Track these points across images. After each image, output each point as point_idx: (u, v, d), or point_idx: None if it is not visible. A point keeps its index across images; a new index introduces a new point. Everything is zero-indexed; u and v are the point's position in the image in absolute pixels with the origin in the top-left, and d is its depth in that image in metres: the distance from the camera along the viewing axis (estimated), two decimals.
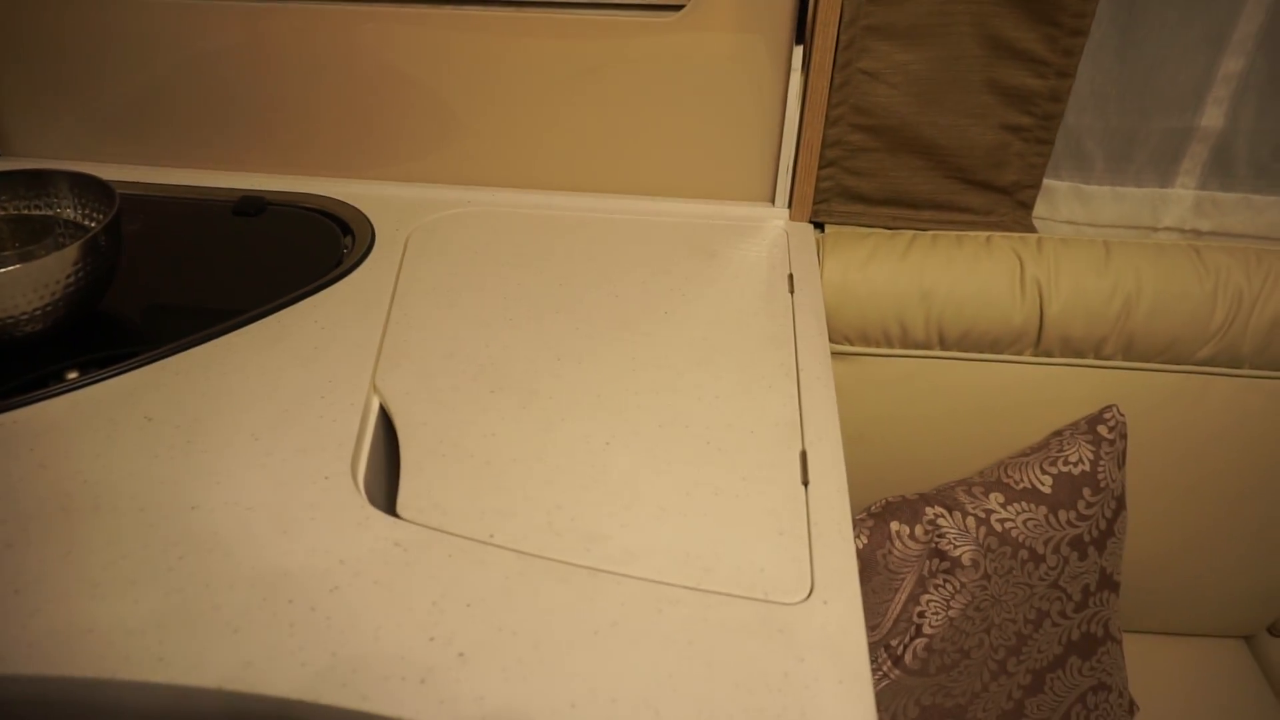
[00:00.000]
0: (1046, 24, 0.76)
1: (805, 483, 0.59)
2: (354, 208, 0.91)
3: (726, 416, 0.64)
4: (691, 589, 0.52)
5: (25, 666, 0.47)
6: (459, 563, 0.53)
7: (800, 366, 0.69)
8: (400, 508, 0.56)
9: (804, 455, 0.61)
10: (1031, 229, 0.89)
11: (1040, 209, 0.89)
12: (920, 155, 0.86)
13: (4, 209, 0.73)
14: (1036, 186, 0.87)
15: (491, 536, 0.55)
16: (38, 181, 0.73)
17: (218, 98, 0.94)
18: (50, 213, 0.74)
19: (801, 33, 0.80)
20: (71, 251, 0.65)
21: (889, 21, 0.79)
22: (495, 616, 0.50)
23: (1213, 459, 0.87)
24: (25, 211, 0.73)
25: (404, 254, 0.83)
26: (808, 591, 0.52)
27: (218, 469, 0.59)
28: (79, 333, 0.72)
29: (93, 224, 0.73)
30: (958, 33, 0.79)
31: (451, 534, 0.55)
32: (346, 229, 0.87)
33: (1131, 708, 0.88)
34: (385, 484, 0.63)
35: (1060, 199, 0.89)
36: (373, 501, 0.57)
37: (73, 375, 0.67)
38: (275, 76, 0.91)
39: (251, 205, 0.90)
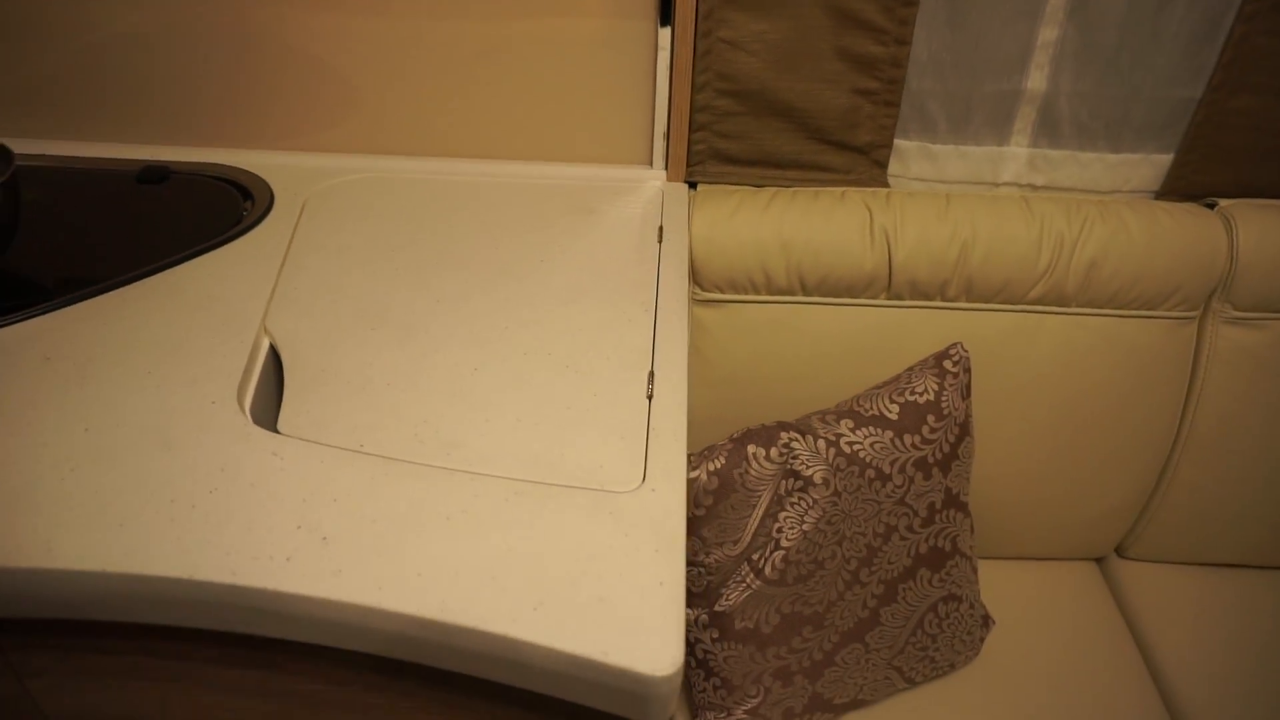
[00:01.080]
0: None
1: (649, 396, 0.66)
2: (256, 175, 0.96)
3: (586, 345, 0.71)
4: (536, 483, 0.58)
5: None
6: (329, 467, 0.59)
7: (659, 305, 0.77)
8: (280, 425, 0.62)
9: (651, 374, 0.68)
10: (887, 185, 0.97)
11: (894, 167, 0.98)
12: (782, 118, 0.94)
13: None
14: (888, 146, 0.95)
15: (361, 446, 0.61)
16: None
17: (123, 73, 0.98)
18: None
19: (667, 11, 0.87)
20: None
21: None
22: (358, 509, 0.56)
23: (1051, 391, 0.96)
24: None
25: (300, 216, 0.88)
26: (640, 482, 0.59)
27: (111, 398, 0.64)
28: None
29: None
30: (805, 3, 0.86)
31: (325, 444, 0.60)
32: (247, 194, 0.92)
33: (986, 621, 0.96)
34: (273, 412, 0.69)
35: (911, 158, 0.97)
36: (258, 424, 0.63)
37: None
38: (180, 52, 0.96)
39: (155, 173, 0.95)
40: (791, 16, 0.87)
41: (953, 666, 0.94)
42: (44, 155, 0.98)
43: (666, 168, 0.97)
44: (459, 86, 0.96)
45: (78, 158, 0.98)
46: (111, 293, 0.76)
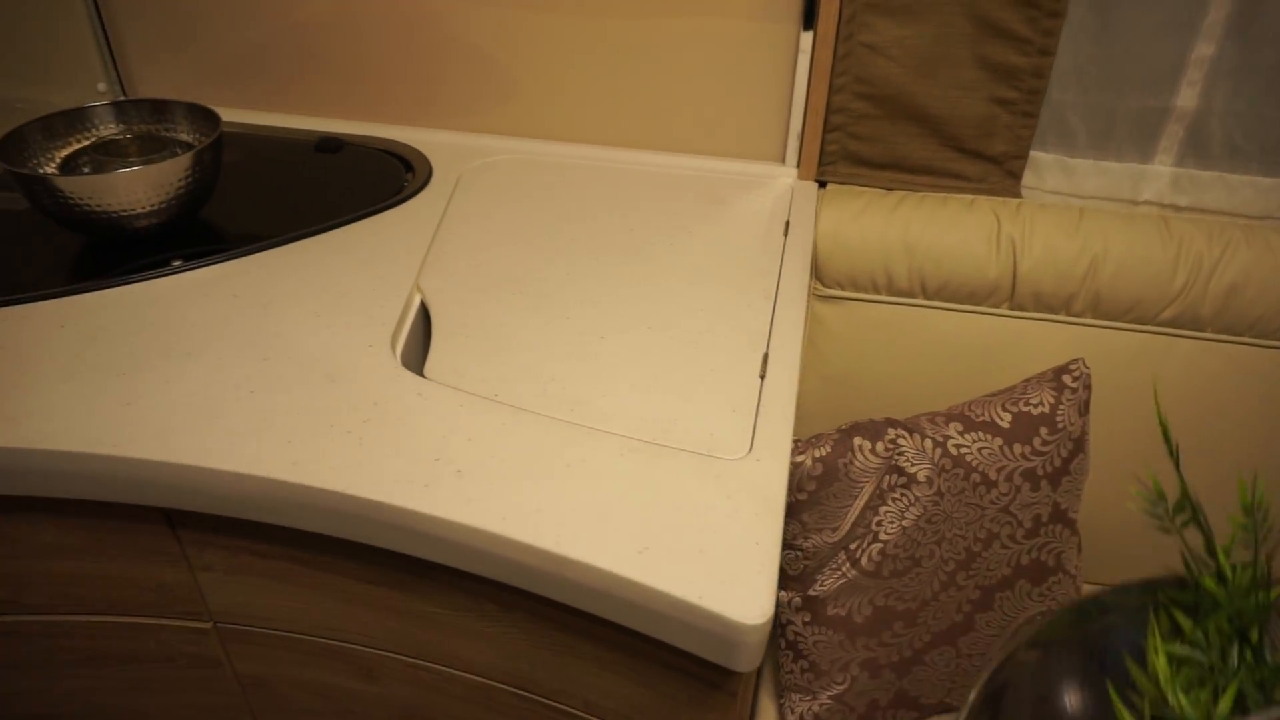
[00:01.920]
0: (1027, 5, 0.85)
1: (762, 376, 0.69)
2: (417, 150, 1.05)
3: (706, 324, 0.75)
4: (650, 443, 0.63)
5: (134, 452, 0.61)
6: (466, 411, 0.65)
7: (780, 294, 0.80)
8: (427, 371, 0.69)
9: (765, 357, 0.72)
10: (1019, 196, 0.97)
11: (1028, 179, 0.98)
12: (917, 123, 0.96)
13: (133, 128, 0.89)
14: (1024, 157, 0.95)
15: (496, 395, 0.67)
16: (160, 108, 0.89)
17: (312, 53, 1.09)
18: (168, 134, 0.89)
19: (810, 14, 0.91)
20: (185, 159, 0.80)
21: None
22: (489, 449, 0.62)
23: (1175, 416, 0.94)
24: (150, 131, 0.89)
25: (455, 189, 0.96)
26: (746, 452, 0.62)
27: (286, 334, 0.73)
28: (182, 232, 0.87)
29: (200, 144, 0.88)
30: (950, 11, 0.88)
31: (464, 391, 0.67)
32: (409, 166, 1.01)
33: None
34: (420, 359, 0.76)
35: (1046, 170, 0.97)
36: (407, 368, 0.70)
37: (177, 263, 0.82)
38: (358, 36, 1.06)
39: (331, 144, 1.05)
40: (934, 23, 0.89)
41: None
42: (239, 123, 1.10)
43: (798, 165, 1.00)
44: (606, 78, 1.02)
45: (266, 126, 1.09)
46: (290, 245, 0.85)
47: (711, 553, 0.54)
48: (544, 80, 1.04)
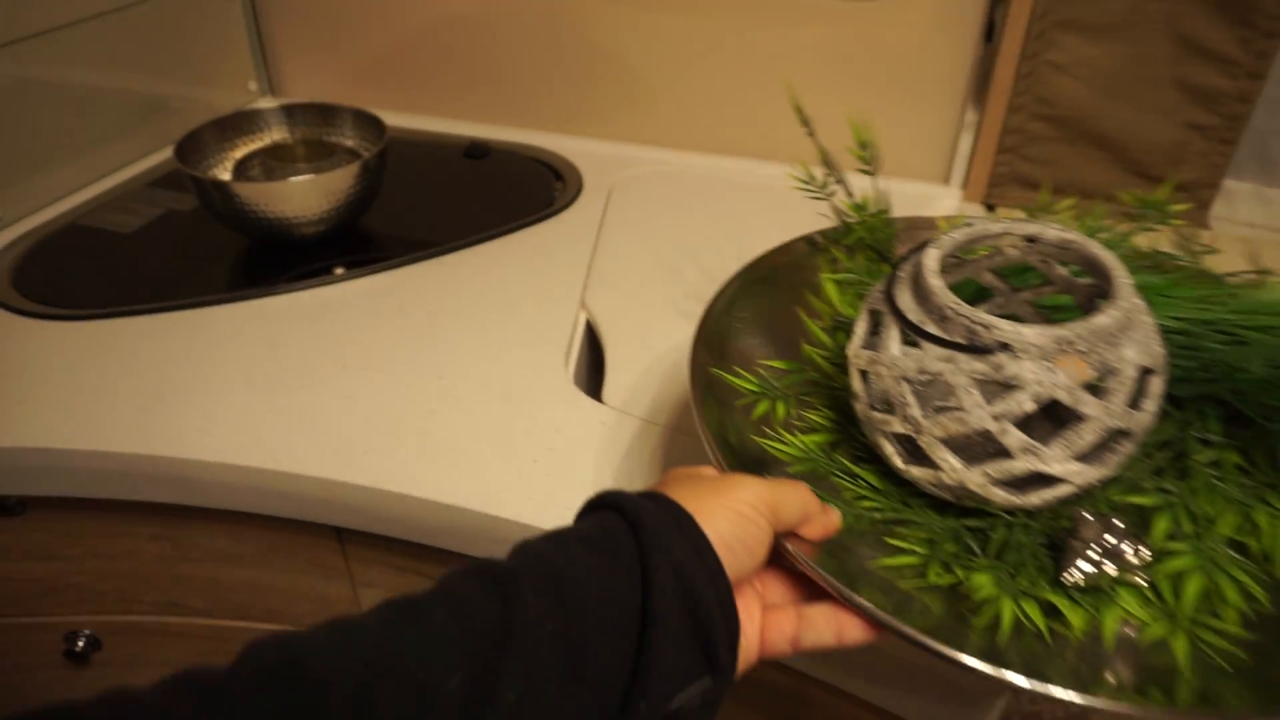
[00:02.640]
0: (1241, 25, 0.79)
1: None
2: (565, 158, 1.03)
3: None
4: None
5: (317, 471, 0.60)
6: (651, 440, 0.63)
7: None
8: (605, 396, 0.67)
9: None
10: (1208, 228, 0.91)
11: (1218, 209, 0.91)
12: (1098, 147, 0.90)
13: (302, 133, 0.89)
14: (1216, 186, 0.89)
15: (679, 426, 0.64)
16: (327, 113, 0.89)
17: (455, 57, 1.08)
18: (335, 140, 0.89)
19: (990, 26, 0.86)
20: (353, 169, 0.80)
21: (1080, 16, 0.83)
22: None
23: None
24: (317, 136, 0.89)
25: (608, 200, 0.94)
26: None
27: (457, 350, 0.71)
28: (345, 239, 0.86)
29: (366, 152, 0.88)
30: (1149, 30, 0.82)
31: (645, 419, 0.65)
32: (559, 175, 1.00)
33: None
34: (589, 382, 0.74)
35: (1240, 200, 0.91)
36: (585, 392, 0.68)
37: (339, 271, 0.82)
38: (504, 42, 1.05)
39: (479, 150, 1.04)
40: (1131, 42, 0.84)
41: None
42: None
43: (964, 187, 0.96)
44: (757, 89, 0.99)
45: (413, 130, 1.09)
46: (449, 255, 0.84)
47: None
48: (694, 91, 1.02)
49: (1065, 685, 0.34)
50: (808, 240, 0.61)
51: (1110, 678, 0.35)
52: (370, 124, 0.87)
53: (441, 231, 0.87)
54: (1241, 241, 0.87)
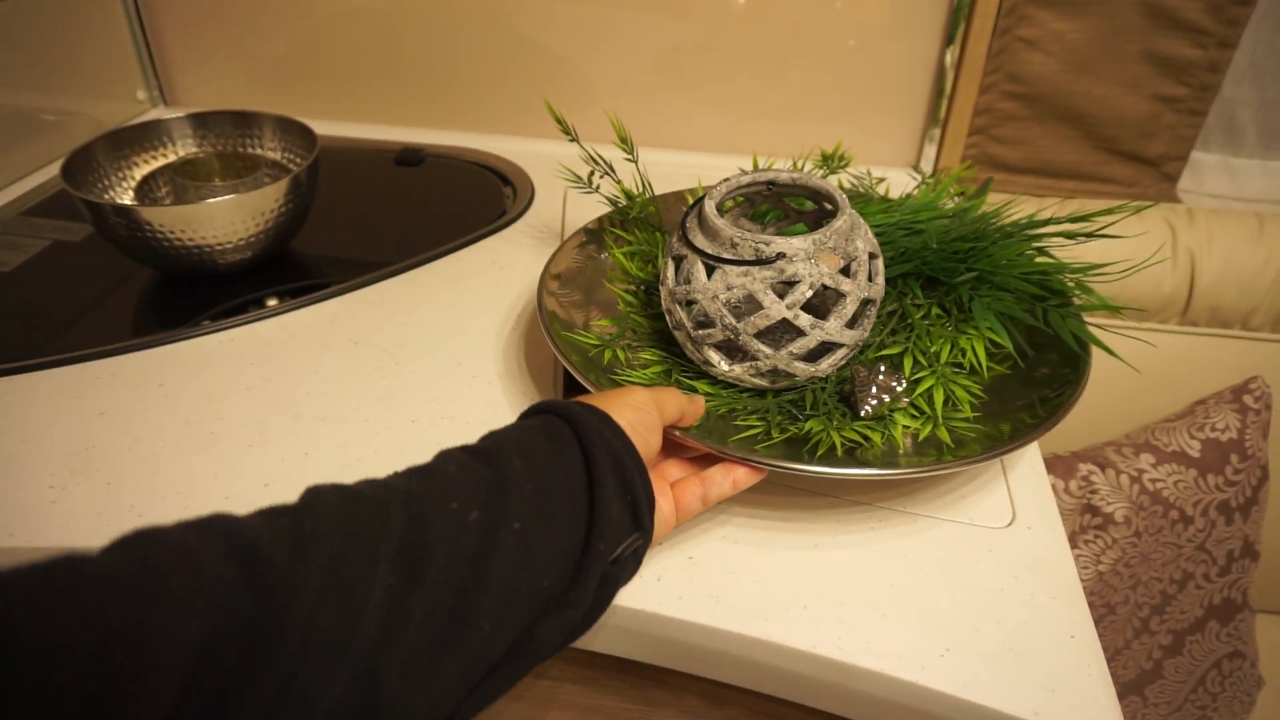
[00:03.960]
0: None
1: None
2: (508, 160, 0.94)
3: None
4: (898, 511, 0.54)
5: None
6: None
7: None
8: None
9: None
10: (1176, 200, 0.90)
11: (1185, 182, 0.90)
12: (1069, 124, 0.88)
13: (215, 145, 0.77)
14: (1184, 159, 0.88)
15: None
16: (245, 121, 0.77)
17: (370, 55, 0.98)
18: (254, 152, 0.78)
19: (959, 8, 0.82)
20: (282, 185, 0.69)
21: None
22: (716, 525, 0.52)
23: None
24: (234, 149, 0.78)
25: (565, 202, 0.86)
26: (1010, 519, 0.54)
27: (429, 388, 0.62)
28: (274, 266, 0.76)
29: (293, 165, 0.77)
30: (1120, 2, 0.80)
31: None
32: (505, 180, 0.91)
33: (1258, 682, 0.88)
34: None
35: (1207, 172, 0.90)
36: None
37: (272, 303, 0.71)
38: (420, 36, 0.95)
39: (412, 156, 0.94)
40: (1103, 15, 0.81)
41: None
42: None
43: (934, 172, 0.92)
44: (710, 81, 0.93)
45: (334, 137, 0.98)
46: (399, 275, 0.75)
47: (1024, 651, 0.46)
48: (644, 85, 0.94)
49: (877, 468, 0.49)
50: (585, 230, 0.70)
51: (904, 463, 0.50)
52: (295, 131, 0.76)
53: (385, 250, 0.78)
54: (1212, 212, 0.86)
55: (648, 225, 0.71)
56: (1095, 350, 0.58)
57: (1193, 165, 0.89)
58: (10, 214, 0.82)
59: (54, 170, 0.89)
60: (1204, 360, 0.86)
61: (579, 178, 0.73)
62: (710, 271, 0.53)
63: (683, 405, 0.51)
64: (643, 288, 0.66)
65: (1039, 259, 0.61)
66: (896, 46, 0.87)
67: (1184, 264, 0.82)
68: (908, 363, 0.58)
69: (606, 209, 0.73)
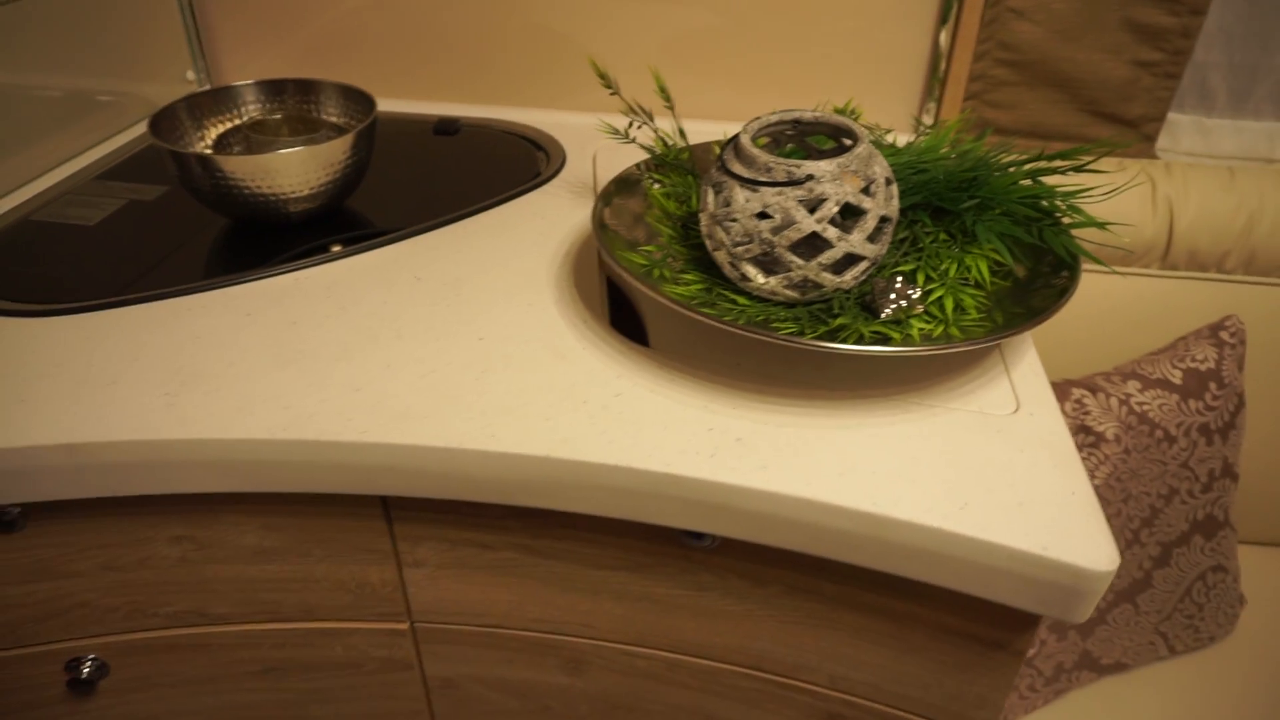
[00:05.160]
0: None
1: None
2: (538, 129, 1.02)
3: None
4: (916, 403, 0.61)
5: (382, 437, 0.57)
6: (717, 383, 0.63)
7: None
8: (652, 345, 0.67)
9: None
10: (1155, 158, 0.98)
11: (1162, 141, 0.98)
12: (1057, 89, 0.96)
13: (282, 109, 0.84)
14: (1161, 119, 0.96)
15: (738, 365, 0.64)
16: (307, 88, 0.84)
17: (404, 34, 1.05)
18: (318, 115, 0.85)
19: None
20: (348, 139, 0.76)
21: None
22: (759, 415, 0.59)
23: None
24: (299, 114, 0.85)
25: (595, 165, 0.94)
26: (1014, 408, 0.61)
27: (490, 313, 0.69)
28: (333, 219, 0.82)
29: (353, 127, 0.84)
30: None
31: (703, 366, 0.64)
32: (537, 146, 0.98)
33: (1240, 600, 0.96)
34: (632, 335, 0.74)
35: (1182, 132, 0.98)
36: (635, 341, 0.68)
37: (336, 248, 0.78)
38: (454, 14, 1.02)
39: (448, 126, 1.01)
40: None
41: (1212, 639, 0.94)
42: None
43: (935, 123, 1.00)
44: (719, 52, 1.00)
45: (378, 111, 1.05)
46: (449, 227, 0.82)
47: (1032, 505, 0.53)
48: (658, 62, 1.02)
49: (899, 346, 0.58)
50: (622, 178, 0.77)
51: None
52: (356, 98, 0.83)
53: (431, 207, 0.85)
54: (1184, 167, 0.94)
55: (681, 169, 0.78)
56: (1083, 296, 0.66)
57: (1169, 126, 0.98)
58: (81, 180, 0.88)
59: (109, 147, 0.96)
60: (1183, 301, 0.94)
61: (616, 130, 0.80)
62: (748, 194, 0.60)
63: None
64: (679, 222, 0.73)
65: (1034, 186, 0.69)
66: (895, 20, 0.95)
67: (1163, 212, 0.90)
68: (920, 278, 0.65)
69: (635, 165, 0.80)
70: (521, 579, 0.68)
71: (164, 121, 0.76)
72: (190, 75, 1.07)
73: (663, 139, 0.79)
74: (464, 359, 0.64)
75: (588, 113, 1.07)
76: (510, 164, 0.94)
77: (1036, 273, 0.66)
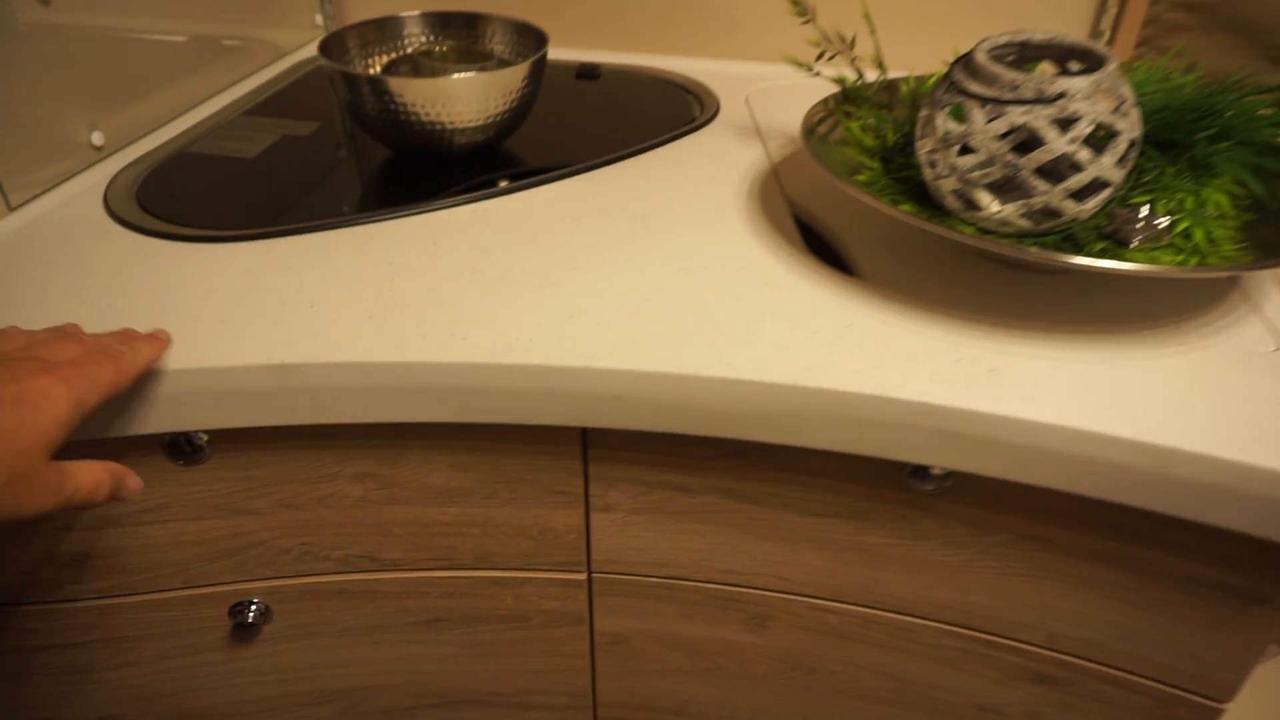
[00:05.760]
0: None
1: None
2: (679, 74, 0.98)
3: None
4: (1169, 339, 0.57)
5: (610, 363, 0.54)
6: (949, 315, 0.59)
7: None
8: (865, 275, 0.63)
9: None
10: None
11: None
12: (1235, 35, 0.91)
13: (449, 42, 0.81)
14: None
15: (965, 299, 0.61)
16: (473, 21, 0.81)
17: None
18: (485, 49, 0.82)
19: None
20: (524, 68, 0.73)
21: None
22: (1008, 347, 0.56)
23: None
24: (466, 46, 0.81)
25: (750, 108, 0.90)
26: (1276, 345, 0.57)
27: (686, 244, 0.66)
28: (495, 155, 0.79)
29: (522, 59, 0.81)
30: None
31: (926, 299, 0.61)
32: (685, 90, 0.94)
33: None
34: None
35: None
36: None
37: (504, 183, 0.75)
38: None
39: (589, 71, 0.98)
40: None
41: None
42: None
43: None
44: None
45: None
46: (620, 164, 0.78)
47: None
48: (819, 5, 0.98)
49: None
50: (812, 115, 0.72)
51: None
52: (524, 31, 0.80)
53: (593, 147, 0.81)
54: None
55: (873, 104, 0.74)
56: None
57: None
58: (229, 116, 0.86)
59: (243, 89, 0.93)
60: None
61: (800, 63, 0.76)
62: (990, 114, 0.56)
63: (111, 377, 0.46)
64: (877, 156, 0.69)
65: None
66: None
67: None
68: (1160, 207, 0.61)
69: (794, 110, 0.76)
70: (717, 526, 0.65)
71: (332, 46, 0.73)
72: (318, 20, 1.04)
73: (857, 70, 0.75)
74: (675, 288, 0.61)
75: (724, 59, 1.04)
76: (662, 108, 0.90)
77: None
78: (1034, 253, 0.54)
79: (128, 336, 0.51)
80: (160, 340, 0.53)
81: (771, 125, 0.86)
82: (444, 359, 0.54)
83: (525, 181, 0.74)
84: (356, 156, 0.78)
